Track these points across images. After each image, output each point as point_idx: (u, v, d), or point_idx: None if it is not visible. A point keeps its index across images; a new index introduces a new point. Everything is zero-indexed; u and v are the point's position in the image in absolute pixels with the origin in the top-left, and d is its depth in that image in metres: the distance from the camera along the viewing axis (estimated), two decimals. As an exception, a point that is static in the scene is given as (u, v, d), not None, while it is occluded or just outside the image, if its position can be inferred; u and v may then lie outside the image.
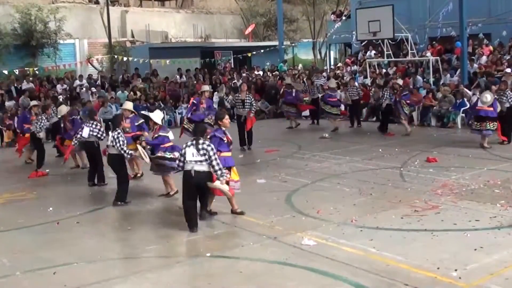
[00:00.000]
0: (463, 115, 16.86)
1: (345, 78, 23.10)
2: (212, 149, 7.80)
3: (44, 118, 13.02)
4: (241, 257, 6.83)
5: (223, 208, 8.86)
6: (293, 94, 18.55)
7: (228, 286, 5.99)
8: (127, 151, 9.63)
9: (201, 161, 7.80)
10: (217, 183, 7.92)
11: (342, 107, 20.39)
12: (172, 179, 9.94)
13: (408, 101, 16.02)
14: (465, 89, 17.20)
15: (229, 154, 8.57)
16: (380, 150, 13.69)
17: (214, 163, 7.75)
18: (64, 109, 13.66)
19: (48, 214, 9.29)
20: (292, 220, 8.25)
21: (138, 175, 11.61)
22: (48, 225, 8.65)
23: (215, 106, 21.02)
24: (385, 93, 16.54)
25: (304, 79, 22.99)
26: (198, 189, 8.02)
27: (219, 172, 7.79)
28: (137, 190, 10.72)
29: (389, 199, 9.14)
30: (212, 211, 8.53)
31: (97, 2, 31.39)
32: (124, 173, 9.86)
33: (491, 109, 13.14)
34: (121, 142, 9.54)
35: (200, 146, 7.79)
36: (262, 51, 27.82)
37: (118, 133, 9.61)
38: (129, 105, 11.73)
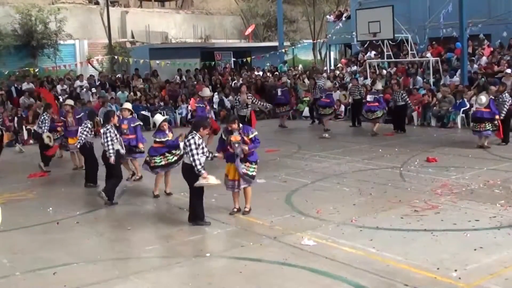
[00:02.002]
0: (463, 115, 16.89)
1: (345, 79, 23.09)
2: (190, 144, 7.98)
3: (47, 118, 12.96)
4: (241, 257, 6.83)
5: (223, 208, 8.87)
6: (279, 94, 19.11)
7: (228, 286, 6.00)
8: (110, 151, 9.47)
9: (185, 154, 8.16)
10: (200, 181, 8.00)
11: (342, 108, 20.49)
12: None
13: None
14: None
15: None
16: (380, 150, 13.71)
17: (193, 157, 7.95)
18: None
19: (48, 214, 9.29)
20: (292, 220, 8.25)
21: (137, 176, 11.48)
22: (48, 225, 8.66)
23: (215, 106, 21.17)
24: (398, 95, 16.56)
25: (304, 80, 22.98)
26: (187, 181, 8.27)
27: (198, 167, 7.95)
28: (137, 190, 10.73)
29: (389, 199, 9.15)
30: (205, 221, 8.29)
31: (97, 3, 31.39)
32: (116, 170, 9.77)
33: (488, 110, 13.20)
34: (109, 139, 9.46)
35: (185, 140, 8.13)
36: (266, 55, 27.69)
37: (107, 129, 9.56)
38: (128, 106, 11.80)
